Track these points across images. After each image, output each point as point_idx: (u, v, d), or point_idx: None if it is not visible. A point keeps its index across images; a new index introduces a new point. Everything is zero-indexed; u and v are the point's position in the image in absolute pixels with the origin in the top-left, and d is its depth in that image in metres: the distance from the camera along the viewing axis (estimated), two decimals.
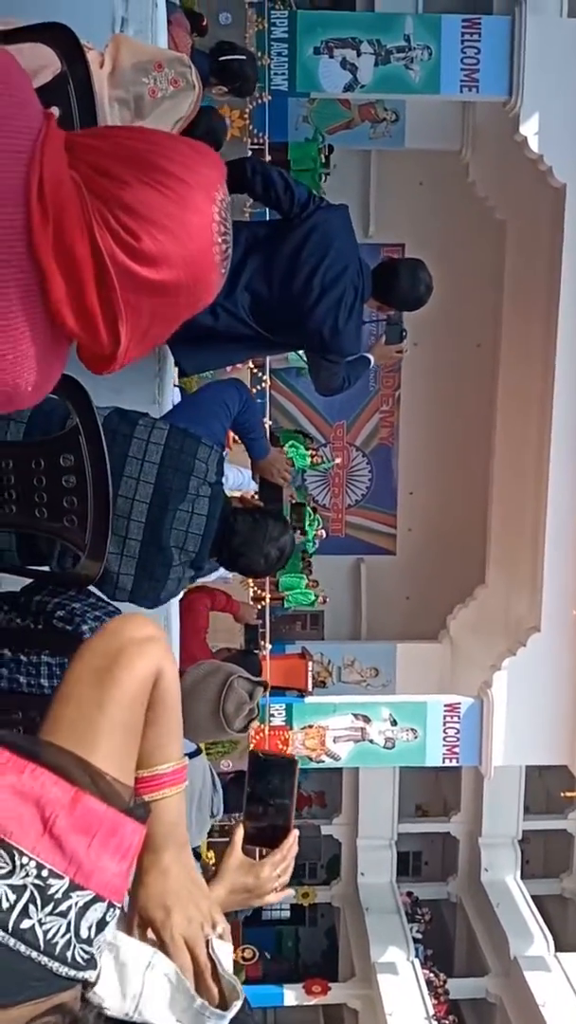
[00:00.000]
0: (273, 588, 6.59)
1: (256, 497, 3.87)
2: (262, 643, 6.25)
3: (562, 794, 9.33)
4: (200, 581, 3.58)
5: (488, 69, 6.03)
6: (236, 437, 2.73)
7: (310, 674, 7.55)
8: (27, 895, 0.78)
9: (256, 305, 2.66)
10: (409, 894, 10.30)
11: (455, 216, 8.40)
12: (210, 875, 1.18)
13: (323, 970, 10.74)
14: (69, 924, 0.79)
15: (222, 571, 3.39)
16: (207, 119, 3.00)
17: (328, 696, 7.76)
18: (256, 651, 5.37)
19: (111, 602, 1.91)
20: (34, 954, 0.77)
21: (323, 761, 7.45)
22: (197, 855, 3.30)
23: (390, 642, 8.91)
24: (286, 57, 6.00)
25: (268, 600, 6.41)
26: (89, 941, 0.81)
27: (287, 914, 11.61)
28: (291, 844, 1.20)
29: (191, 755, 3.27)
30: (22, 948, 0.77)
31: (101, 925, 0.82)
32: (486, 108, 7.09)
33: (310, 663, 7.60)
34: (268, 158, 6.29)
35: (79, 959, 0.80)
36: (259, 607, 6.09)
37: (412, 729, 7.27)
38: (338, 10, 7.02)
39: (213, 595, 3.95)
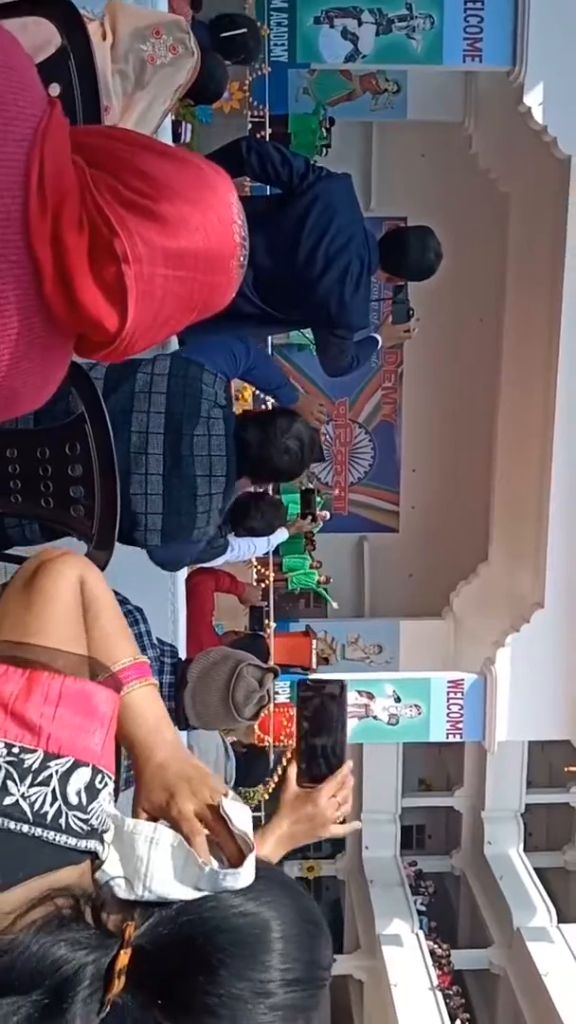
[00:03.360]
0: (277, 569, 6.58)
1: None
2: (266, 622, 6.25)
3: (564, 768, 9.40)
4: (206, 564, 3.56)
5: (491, 38, 5.90)
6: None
7: (314, 652, 7.56)
8: (2, 774, 0.78)
9: (260, 281, 2.60)
10: (413, 864, 10.42)
11: (458, 189, 8.28)
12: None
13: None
14: (54, 792, 0.79)
15: (228, 555, 3.37)
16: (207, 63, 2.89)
17: (332, 673, 7.78)
18: (262, 633, 5.36)
19: (117, 591, 1.89)
20: (25, 827, 0.77)
21: None
22: None
23: (393, 619, 8.92)
24: (286, 27, 5.87)
25: (271, 580, 6.40)
26: (82, 808, 0.81)
27: None
28: (345, 772, 1.19)
29: None
30: (12, 825, 0.77)
31: (92, 791, 0.82)
32: (489, 78, 6.96)
33: (314, 641, 7.61)
34: (268, 131, 6.18)
35: (74, 826, 0.80)
36: (263, 587, 6.08)
37: (416, 705, 7.29)
38: None
39: (217, 576, 3.93)
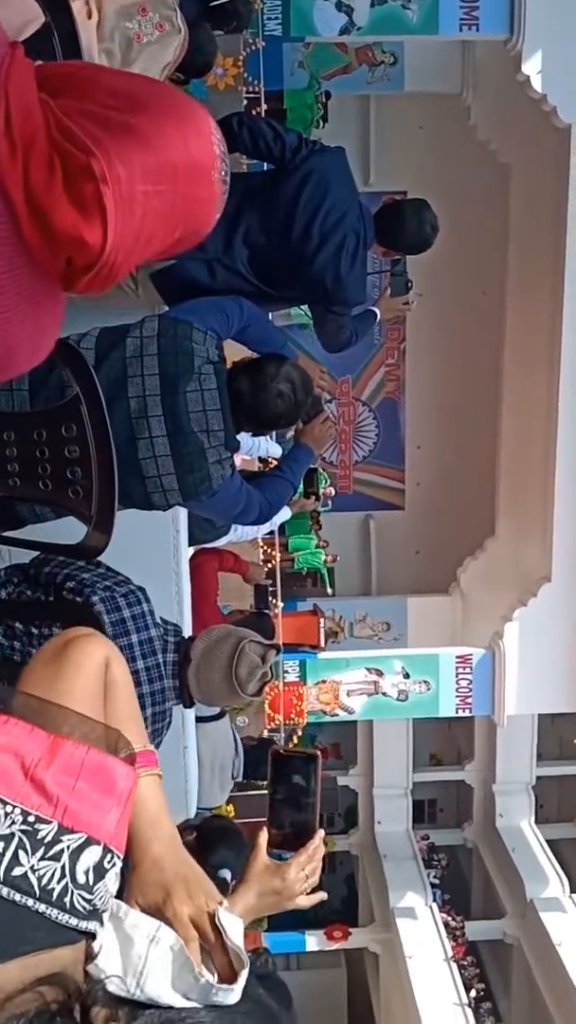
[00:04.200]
0: (283, 549, 6.59)
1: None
2: (272, 602, 6.26)
3: (575, 740, 9.43)
4: (210, 545, 3.57)
5: (488, 6, 5.81)
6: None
7: (322, 630, 7.58)
8: (15, 842, 0.76)
9: (255, 258, 2.58)
10: (425, 837, 10.50)
11: (457, 161, 8.20)
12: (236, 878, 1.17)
13: (343, 916, 10.99)
14: (64, 868, 0.78)
15: (231, 536, 3.37)
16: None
17: (341, 651, 7.81)
18: (267, 611, 5.38)
19: (119, 572, 1.90)
20: (30, 902, 0.76)
21: (337, 715, 7.52)
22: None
23: (401, 596, 8.94)
24: (279, 0, 5.80)
25: (278, 560, 6.41)
26: (88, 888, 0.79)
27: None
28: (316, 844, 1.18)
29: (214, 718, 3.31)
30: (17, 897, 0.75)
31: (99, 871, 0.81)
32: (487, 47, 6.87)
33: (322, 619, 7.63)
34: (264, 107, 6.12)
35: (79, 907, 0.78)
36: (269, 567, 6.09)
37: (425, 681, 7.32)
38: None
39: (221, 556, 3.95)
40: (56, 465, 1.61)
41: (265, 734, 7.11)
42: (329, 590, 7.66)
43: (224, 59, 5.89)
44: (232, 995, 0.86)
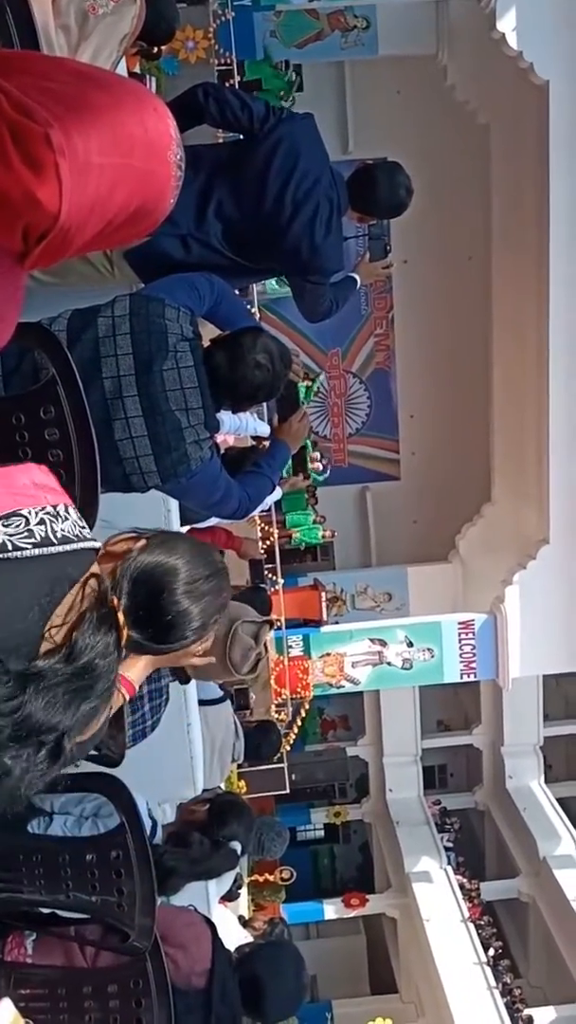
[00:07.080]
0: (280, 526, 6.60)
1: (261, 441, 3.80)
2: (272, 578, 6.27)
3: None
4: (203, 524, 3.57)
5: None
6: None
7: (324, 604, 7.61)
8: None
9: (228, 232, 2.54)
10: (437, 802, 10.61)
11: (436, 124, 8.11)
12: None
13: (360, 884, 11.14)
14: (27, 523, 0.88)
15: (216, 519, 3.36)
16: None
17: (344, 624, 7.84)
18: (263, 585, 5.39)
19: None
20: (27, 553, 0.86)
21: (343, 686, 7.57)
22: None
23: (401, 566, 8.96)
24: None
25: (276, 537, 6.42)
26: (60, 528, 0.90)
27: (321, 833, 11.98)
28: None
29: (216, 701, 3.32)
30: (15, 555, 0.86)
31: (57, 516, 0.91)
32: (461, 6, 6.77)
33: (323, 593, 7.66)
34: (237, 78, 6.05)
35: (69, 536, 0.90)
36: (266, 544, 6.10)
37: (428, 649, 7.36)
38: None
39: (213, 533, 3.96)
40: (37, 448, 1.61)
41: (273, 710, 7.16)
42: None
43: (195, 31, 5.82)
44: None
